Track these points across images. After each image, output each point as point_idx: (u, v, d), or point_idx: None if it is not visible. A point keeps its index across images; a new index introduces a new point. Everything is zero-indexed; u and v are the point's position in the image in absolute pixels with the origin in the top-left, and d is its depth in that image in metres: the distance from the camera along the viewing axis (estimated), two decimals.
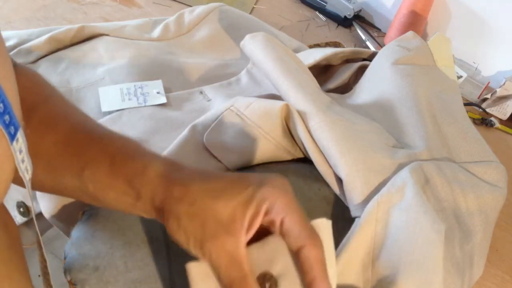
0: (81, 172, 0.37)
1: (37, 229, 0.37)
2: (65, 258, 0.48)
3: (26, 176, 0.32)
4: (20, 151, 0.30)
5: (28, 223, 0.59)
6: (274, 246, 0.35)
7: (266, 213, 0.32)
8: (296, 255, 0.33)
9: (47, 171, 0.38)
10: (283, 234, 0.33)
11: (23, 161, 0.31)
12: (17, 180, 0.35)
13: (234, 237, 0.32)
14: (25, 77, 0.42)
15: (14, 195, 0.61)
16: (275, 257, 0.34)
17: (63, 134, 0.38)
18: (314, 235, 0.33)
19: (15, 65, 0.44)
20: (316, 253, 0.32)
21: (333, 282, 0.34)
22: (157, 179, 0.35)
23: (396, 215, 0.47)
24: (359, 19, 1.06)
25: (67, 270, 0.47)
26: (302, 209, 0.34)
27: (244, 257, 0.32)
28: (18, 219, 0.60)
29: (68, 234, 0.51)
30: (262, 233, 0.35)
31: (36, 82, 0.43)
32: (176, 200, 0.33)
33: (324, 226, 0.35)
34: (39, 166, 0.35)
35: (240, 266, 0.32)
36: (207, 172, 0.35)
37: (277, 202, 0.32)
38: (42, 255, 0.39)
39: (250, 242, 0.34)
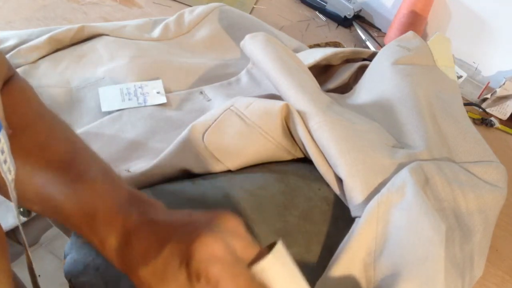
0: (53, 213, 0.37)
1: (22, 231, 0.36)
2: (65, 258, 0.48)
3: (9, 176, 0.31)
4: (2, 152, 0.30)
5: (28, 223, 0.59)
6: None
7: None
8: None
9: (23, 198, 0.37)
10: None
11: (5, 161, 0.30)
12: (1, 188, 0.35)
13: None
14: (16, 94, 0.41)
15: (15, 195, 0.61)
16: None
17: (36, 168, 0.37)
18: None
19: (12, 76, 0.43)
20: None
21: None
22: (115, 259, 0.34)
23: (397, 215, 0.47)
24: (359, 19, 1.06)
25: (67, 270, 0.47)
26: (241, 270, 0.31)
27: None
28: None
29: (68, 234, 0.51)
30: None
31: (25, 100, 0.42)
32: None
33: (270, 264, 0.32)
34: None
35: None
36: (153, 239, 0.33)
37: (209, 273, 0.30)
38: (28, 257, 0.39)
39: None
